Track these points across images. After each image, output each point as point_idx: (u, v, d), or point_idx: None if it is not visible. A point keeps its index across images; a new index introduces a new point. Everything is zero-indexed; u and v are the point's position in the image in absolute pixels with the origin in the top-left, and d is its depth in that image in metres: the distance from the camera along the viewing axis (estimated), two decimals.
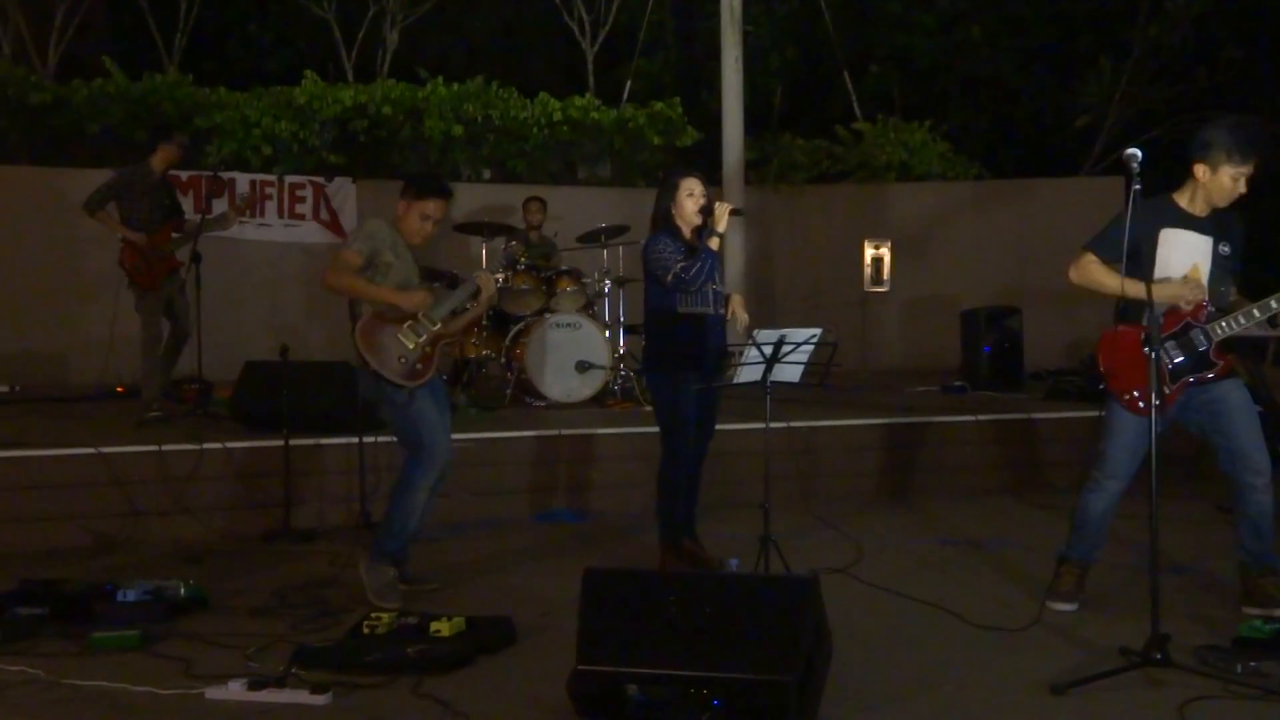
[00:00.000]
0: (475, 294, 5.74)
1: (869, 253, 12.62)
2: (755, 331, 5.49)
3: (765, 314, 12.17)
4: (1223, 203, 4.90)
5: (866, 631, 4.85)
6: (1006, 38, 16.82)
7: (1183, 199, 4.98)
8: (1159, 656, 4.21)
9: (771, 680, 3.66)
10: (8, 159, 11.39)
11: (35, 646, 4.68)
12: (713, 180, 6.30)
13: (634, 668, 3.79)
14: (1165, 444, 4.62)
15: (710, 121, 12.70)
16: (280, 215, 11.69)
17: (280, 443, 6.40)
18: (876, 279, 12.60)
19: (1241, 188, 4.86)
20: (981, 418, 8.41)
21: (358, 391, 5.57)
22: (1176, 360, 4.89)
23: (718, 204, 5.69)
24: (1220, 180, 4.84)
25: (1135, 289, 4.64)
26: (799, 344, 5.38)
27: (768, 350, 5.35)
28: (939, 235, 13.03)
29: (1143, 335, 4.53)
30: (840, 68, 14.57)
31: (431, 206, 5.49)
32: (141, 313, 8.34)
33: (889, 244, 12.54)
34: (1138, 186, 4.45)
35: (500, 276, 5.64)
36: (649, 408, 7.32)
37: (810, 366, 5.51)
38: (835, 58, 14.55)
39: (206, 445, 6.93)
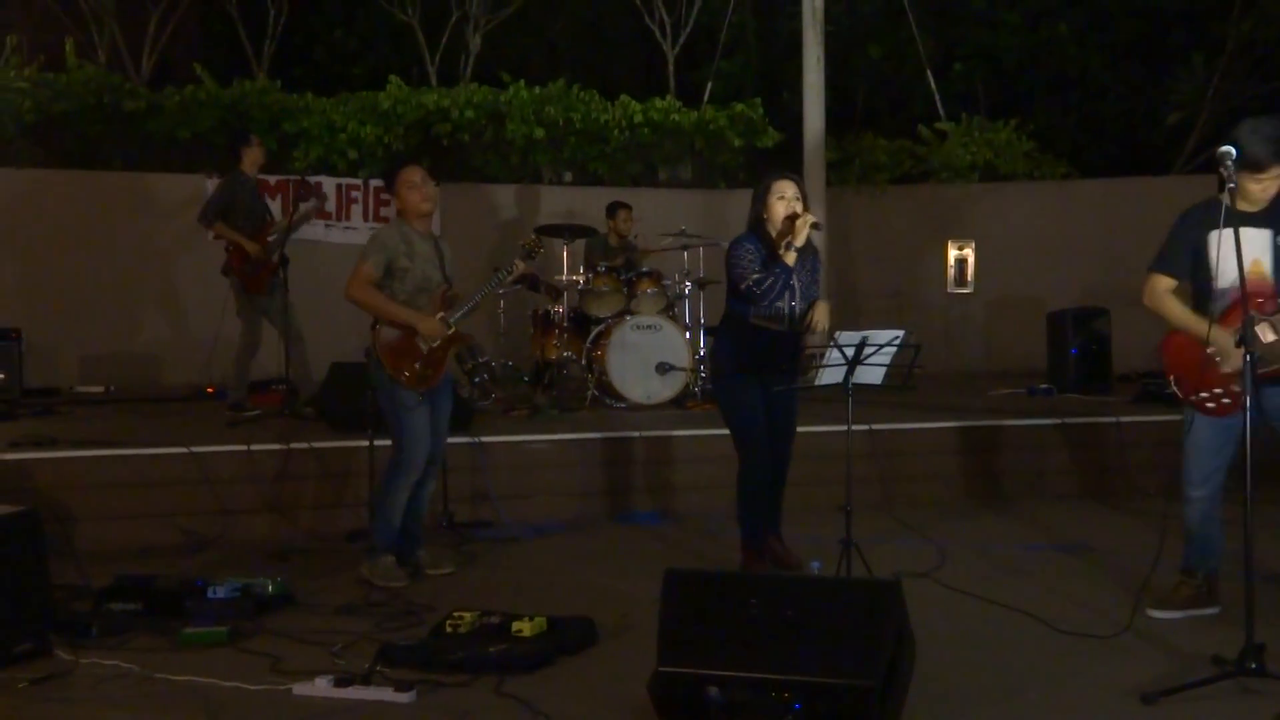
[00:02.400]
0: (504, 279, 6.05)
1: (953, 254, 12.46)
2: (837, 333, 5.44)
3: (848, 315, 12.07)
4: (1261, 202, 4.76)
5: (950, 637, 4.79)
6: (1094, 34, 16.49)
7: (1229, 197, 4.86)
8: (1254, 665, 4.11)
9: (854, 684, 3.64)
10: (103, 164, 11.66)
11: (129, 641, 4.80)
12: None
13: (715, 669, 3.79)
14: (1257, 446, 4.49)
15: (791, 122, 12.62)
16: (365, 219, 11.82)
17: (365, 443, 6.48)
18: (960, 280, 12.43)
19: (1271, 190, 4.72)
20: (1068, 420, 8.26)
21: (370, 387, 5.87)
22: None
23: (799, 217, 5.55)
24: (1244, 184, 4.69)
25: (1201, 330, 4.63)
26: (881, 346, 5.32)
27: (849, 352, 5.31)
28: (1024, 236, 12.79)
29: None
30: (924, 66, 14.40)
31: (407, 173, 5.86)
32: (246, 317, 8.50)
33: (973, 245, 12.36)
34: (1232, 185, 4.34)
35: (521, 263, 6.07)
36: None
37: (892, 369, 5.46)
38: (918, 56, 14.38)
39: (294, 445, 7.05)
